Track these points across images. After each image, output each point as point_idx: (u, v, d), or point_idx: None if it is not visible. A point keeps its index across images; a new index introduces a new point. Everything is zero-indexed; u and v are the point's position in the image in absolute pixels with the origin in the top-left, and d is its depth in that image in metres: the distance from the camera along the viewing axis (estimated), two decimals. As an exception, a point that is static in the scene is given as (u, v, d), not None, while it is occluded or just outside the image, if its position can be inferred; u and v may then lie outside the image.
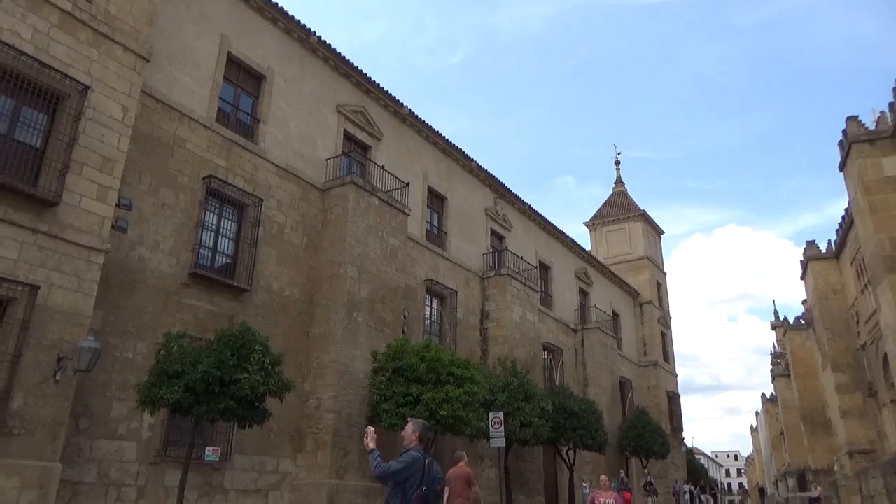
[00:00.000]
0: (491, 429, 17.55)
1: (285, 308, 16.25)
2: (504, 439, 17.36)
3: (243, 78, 16.77)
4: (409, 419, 5.49)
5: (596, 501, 8.89)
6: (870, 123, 19.87)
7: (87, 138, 11.55)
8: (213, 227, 15.03)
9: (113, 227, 11.98)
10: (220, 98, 15.84)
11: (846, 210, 24.39)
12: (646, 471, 24.67)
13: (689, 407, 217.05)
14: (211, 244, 14.93)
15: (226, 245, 15.32)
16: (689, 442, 59.92)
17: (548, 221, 30.90)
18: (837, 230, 26.66)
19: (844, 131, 19.19)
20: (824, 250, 29.21)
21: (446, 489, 10.38)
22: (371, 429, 5.20)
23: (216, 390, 10.06)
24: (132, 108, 12.42)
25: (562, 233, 32.16)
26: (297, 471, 15.53)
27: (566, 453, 23.60)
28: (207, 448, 12.84)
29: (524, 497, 22.77)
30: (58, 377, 10.34)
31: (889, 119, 18.98)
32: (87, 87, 11.45)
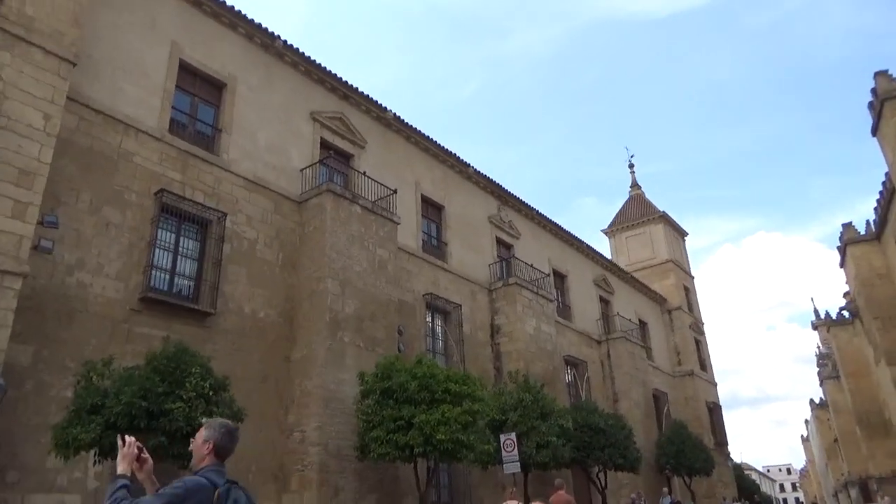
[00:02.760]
0: (503, 452, 15.59)
1: (261, 332, 14.62)
2: (518, 464, 15.38)
3: (200, 86, 15.44)
4: (203, 422, 3.42)
5: None
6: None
7: (0, 150, 10.19)
8: (170, 246, 13.54)
9: (35, 247, 10.54)
10: (174, 108, 14.50)
11: (884, 184, 22.15)
12: (665, 489, 21.81)
13: (736, 421, 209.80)
14: (168, 265, 13.42)
15: (187, 266, 13.81)
16: (737, 457, 56.51)
17: (560, 228, 29.04)
18: (876, 208, 24.36)
19: (874, 90, 17.16)
20: (863, 233, 26.80)
21: None
22: (130, 439, 3.00)
23: (142, 425, 8.38)
24: (56, 116, 11.07)
25: (577, 239, 30.24)
26: (283, 515, 13.71)
27: (597, 475, 21.36)
28: (168, 496, 11.12)
29: (554, 527, 20.52)
30: (-37, 423, 8.79)
31: (922, 71, 16.95)
32: (-6, 92, 10.13)
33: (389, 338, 16.40)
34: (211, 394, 8.90)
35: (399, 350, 16.58)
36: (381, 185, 18.21)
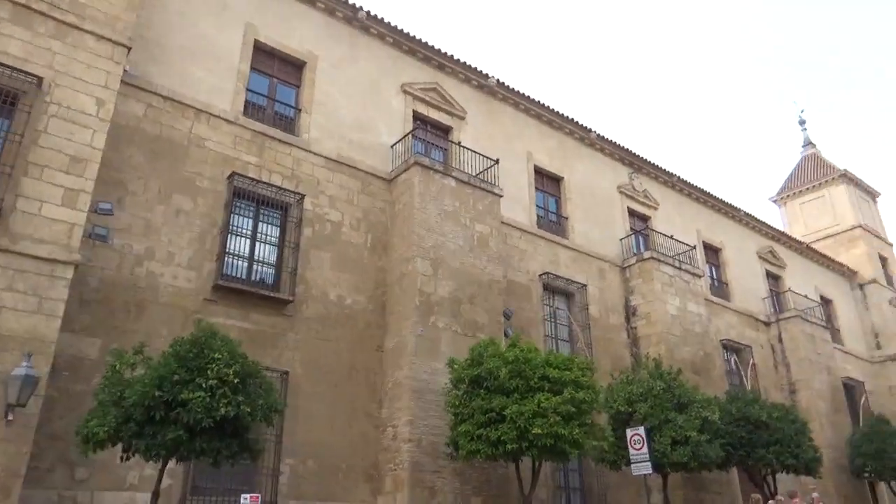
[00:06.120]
0: (631, 450, 13.29)
1: (349, 320, 13.63)
2: (649, 464, 12.98)
3: (279, 67, 14.83)
4: None
5: None
6: None
7: (51, 137, 10.00)
8: (247, 232, 12.97)
9: (88, 236, 10.26)
10: (249, 90, 13.98)
11: None
12: (814, 495, 16.72)
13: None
14: (246, 252, 12.85)
15: (266, 252, 13.18)
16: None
17: (710, 195, 25.42)
18: None
19: None
20: None
21: None
22: None
23: (158, 417, 7.52)
24: (109, 101, 10.76)
25: (732, 207, 26.33)
26: (378, 517, 12.58)
27: (766, 478, 17.97)
28: (243, 496, 10.35)
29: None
30: (10, 417, 8.53)
31: None
32: (40, 80, 9.97)
33: (493, 322, 14.72)
34: (237, 381, 7.83)
35: (506, 335, 14.82)
36: (482, 155, 16.59)
